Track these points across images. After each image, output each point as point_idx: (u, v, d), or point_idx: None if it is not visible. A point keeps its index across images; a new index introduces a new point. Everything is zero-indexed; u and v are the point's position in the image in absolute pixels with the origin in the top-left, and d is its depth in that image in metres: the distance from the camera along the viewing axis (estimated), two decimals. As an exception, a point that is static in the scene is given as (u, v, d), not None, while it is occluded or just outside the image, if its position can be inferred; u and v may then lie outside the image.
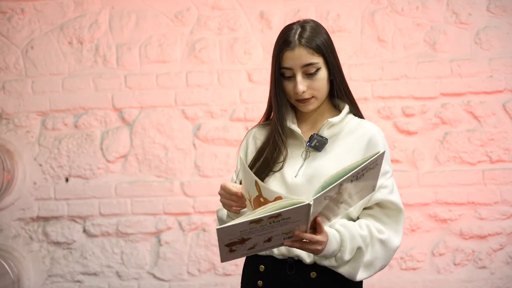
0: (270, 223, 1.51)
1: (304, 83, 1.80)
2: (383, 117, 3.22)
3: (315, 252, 1.67)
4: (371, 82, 3.24)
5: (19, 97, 3.35)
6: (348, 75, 3.24)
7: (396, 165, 3.19)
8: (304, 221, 1.56)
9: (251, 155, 1.91)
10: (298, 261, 1.80)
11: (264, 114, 1.97)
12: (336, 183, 1.52)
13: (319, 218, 1.60)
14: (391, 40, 3.27)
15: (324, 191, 1.52)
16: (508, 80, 3.20)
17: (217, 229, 1.50)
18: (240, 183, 1.76)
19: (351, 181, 1.54)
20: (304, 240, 1.63)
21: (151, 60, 3.34)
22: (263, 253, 1.81)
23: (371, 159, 1.54)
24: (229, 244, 1.57)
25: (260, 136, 1.93)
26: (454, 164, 3.19)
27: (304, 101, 1.83)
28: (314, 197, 1.51)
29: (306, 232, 1.60)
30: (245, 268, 1.92)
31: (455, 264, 3.16)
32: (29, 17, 3.40)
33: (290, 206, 1.50)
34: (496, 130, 3.18)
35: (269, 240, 1.58)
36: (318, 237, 1.64)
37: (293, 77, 1.81)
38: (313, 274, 1.78)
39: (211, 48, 3.31)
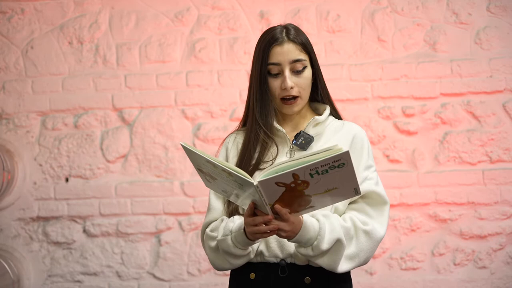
0: (226, 176, 1.57)
1: (292, 79, 1.80)
2: (383, 117, 3.22)
3: (283, 238, 1.66)
4: (371, 82, 3.24)
5: (19, 97, 3.35)
6: (348, 75, 3.24)
7: (396, 165, 3.20)
8: (261, 202, 1.58)
9: (233, 159, 1.87)
10: (291, 264, 1.77)
11: (242, 120, 1.94)
12: (287, 171, 1.50)
13: (278, 206, 1.58)
14: (391, 40, 3.27)
15: (273, 176, 1.51)
16: (508, 80, 3.20)
17: (182, 145, 1.60)
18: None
19: (311, 174, 1.51)
20: (265, 223, 1.62)
21: (151, 60, 3.34)
22: (253, 260, 1.79)
23: (331, 155, 1.48)
24: (201, 170, 1.66)
25: (241, 141, 1.89)
26: (454, 164, 3.19)
27: (290, 100, 1.81)
28: (260, 179, 1.52)
29: (268, 216, 1.61)
30: (233, 279, 1.88)
31: (455, 264, 3.16)
32: (29, 17, 3.40)
33: (239, 174, 1.54)
34: (496, 130, 3.18)
35: (237, 196, 1.64)
36: (281, 224, 1.62)
37: (279, 74, 1.81)
38: (307, 280, 1.76)
39: (211, 48, 3.31)
